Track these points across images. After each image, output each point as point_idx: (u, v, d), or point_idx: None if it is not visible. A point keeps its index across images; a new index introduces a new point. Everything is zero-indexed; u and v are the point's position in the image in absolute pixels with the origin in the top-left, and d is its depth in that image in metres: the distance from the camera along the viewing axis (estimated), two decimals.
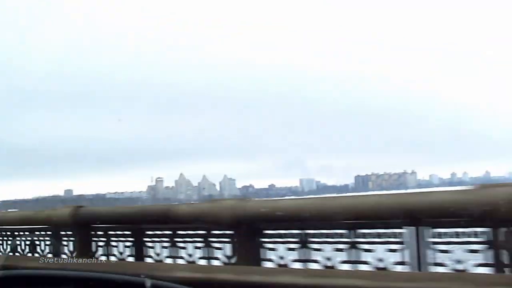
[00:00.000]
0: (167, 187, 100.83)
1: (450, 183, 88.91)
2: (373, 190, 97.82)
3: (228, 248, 3.92)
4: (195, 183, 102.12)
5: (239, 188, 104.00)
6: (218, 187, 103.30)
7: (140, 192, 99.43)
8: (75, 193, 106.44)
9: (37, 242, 5.23)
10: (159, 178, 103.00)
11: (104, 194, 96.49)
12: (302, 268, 3.42)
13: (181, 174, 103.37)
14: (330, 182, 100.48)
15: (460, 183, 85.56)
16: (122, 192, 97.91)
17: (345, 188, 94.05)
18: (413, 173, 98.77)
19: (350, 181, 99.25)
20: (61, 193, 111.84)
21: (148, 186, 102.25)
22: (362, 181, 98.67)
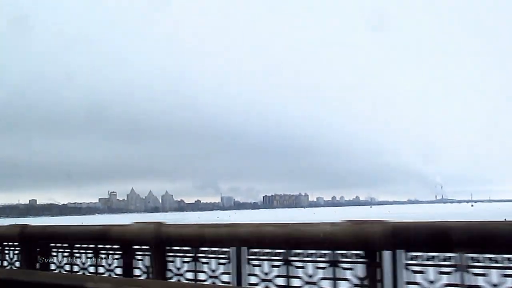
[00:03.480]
0: (118, 200, 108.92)
1: (332, 204, 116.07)
2: (278, 207, 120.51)
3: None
4: (142, 197, 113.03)
5: (176, 201, 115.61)
6: (160, 201, 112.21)
7: (95, 203, 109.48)
8: (39, 202, 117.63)
9: None
10: (112, 192, 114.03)
11: (66, 204, 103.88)
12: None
13: (132, 189, 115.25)
14: (240, 200, 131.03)
15: (338, 204, 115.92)
16: (80, 203, 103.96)
17: (255, 204, 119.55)
18: (306, 195, 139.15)
19: (258, 199, 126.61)
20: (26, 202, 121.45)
21: (100, 198, 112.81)
22: (268, 200, 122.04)
